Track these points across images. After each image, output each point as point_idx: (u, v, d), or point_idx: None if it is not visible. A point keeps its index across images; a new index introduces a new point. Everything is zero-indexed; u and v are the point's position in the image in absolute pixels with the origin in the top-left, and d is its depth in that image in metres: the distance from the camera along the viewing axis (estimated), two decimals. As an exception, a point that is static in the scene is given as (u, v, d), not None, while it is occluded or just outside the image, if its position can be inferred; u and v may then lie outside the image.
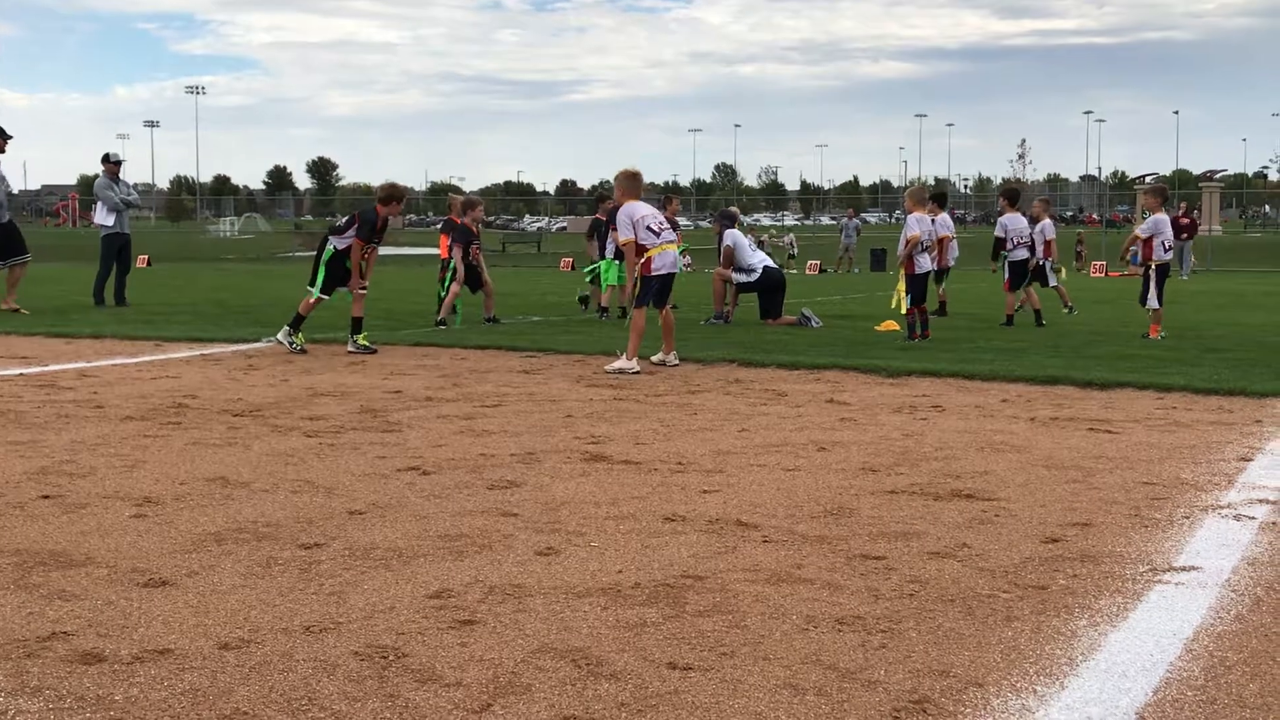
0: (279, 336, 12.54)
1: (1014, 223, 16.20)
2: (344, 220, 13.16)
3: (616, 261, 16.09)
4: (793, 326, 15.47)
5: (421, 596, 4.34)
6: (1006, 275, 16.32)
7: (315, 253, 12.96)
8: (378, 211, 12.57)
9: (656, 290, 11.30)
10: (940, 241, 16.41)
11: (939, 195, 18.56)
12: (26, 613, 4.13)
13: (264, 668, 3.65)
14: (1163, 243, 13.96)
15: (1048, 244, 16.52)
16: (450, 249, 15.75)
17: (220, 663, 3.69)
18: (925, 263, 14.04)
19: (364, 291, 12.59)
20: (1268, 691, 3.55)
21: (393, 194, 12.73)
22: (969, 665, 3.72)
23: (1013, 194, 17.19)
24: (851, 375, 10.66)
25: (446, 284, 15.70)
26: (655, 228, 11.23)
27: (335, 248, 12.63)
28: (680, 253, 14.78)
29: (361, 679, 3.57)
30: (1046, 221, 16.74)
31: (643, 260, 11.18)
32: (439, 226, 16.59)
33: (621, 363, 10.87)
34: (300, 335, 12.45)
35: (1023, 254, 16.15)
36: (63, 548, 4.95)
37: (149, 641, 3.86)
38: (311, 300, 12.61)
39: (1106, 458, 7.00)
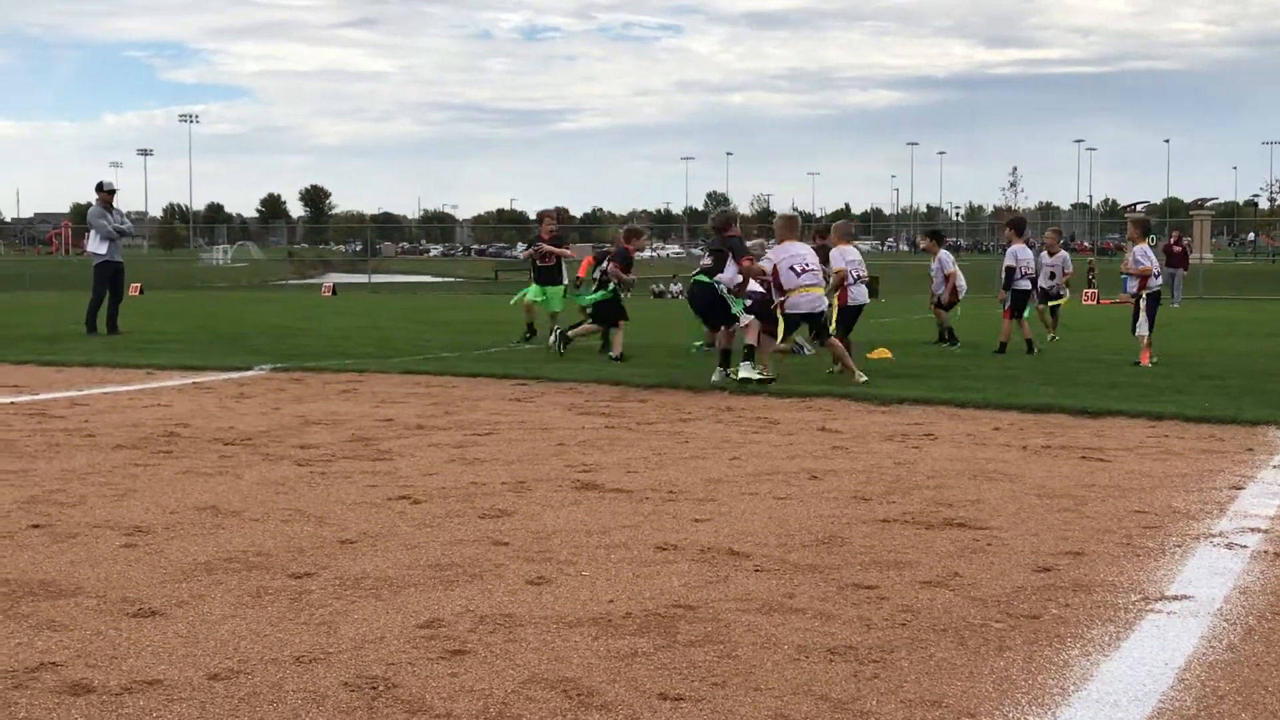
0: (742, 374, 11.56)
1: (1023, 253, 16.41)
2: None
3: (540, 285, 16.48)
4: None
5: (412, 626, 4.33)
6: (1008, 303, 16.45)
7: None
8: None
9: (793, 325, 12.16)
10: (947, 277, 17.18)
11: (935, 232, 18.89)
12: (15, 643, 4.11)
13: (253, 699, 3.63)
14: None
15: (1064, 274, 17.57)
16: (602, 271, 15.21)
17: (209, 694, 3.67)
18: (860, 295, 14.10)
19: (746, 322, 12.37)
20: (1260, 721, 3.55)
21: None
22: (961, 695, 3.71)
23: (1020, 224, 17.38)
24: (843, 403, 10.67)
25: (584, 300, 15.09)
26: (798, 268, 11.98)
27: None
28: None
29: (351, 710, 3.55)
30: (1063, 254, 17.44)
31: (779, 300, 11.89)
32: (606, 252, 16.27)
33: (746, 370, 11.45)
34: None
35: (1026, 284, 16.32)
36: (52, 577, 4.94)
37: (138, 672, 3.84)
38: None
39: (1099, 486, 7.00)
